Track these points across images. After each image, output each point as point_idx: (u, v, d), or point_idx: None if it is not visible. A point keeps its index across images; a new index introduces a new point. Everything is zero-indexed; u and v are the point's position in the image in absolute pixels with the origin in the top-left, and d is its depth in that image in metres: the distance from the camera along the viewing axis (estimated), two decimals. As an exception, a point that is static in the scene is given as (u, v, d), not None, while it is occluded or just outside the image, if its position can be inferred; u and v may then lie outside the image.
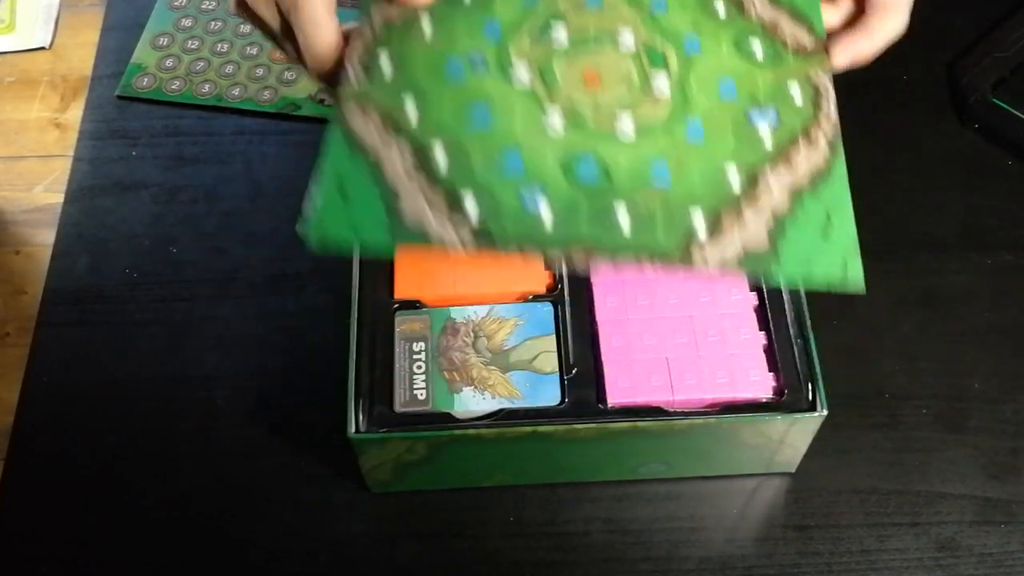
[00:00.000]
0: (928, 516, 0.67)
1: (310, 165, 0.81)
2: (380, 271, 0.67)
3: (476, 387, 0.63)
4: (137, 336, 0.75)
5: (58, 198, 0.84)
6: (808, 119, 0.55)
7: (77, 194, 0.82)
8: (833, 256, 0.51)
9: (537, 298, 0.66)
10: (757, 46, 0.57)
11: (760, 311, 0.65)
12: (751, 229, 0.51)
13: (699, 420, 0.61)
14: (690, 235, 0.50)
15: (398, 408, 0.62)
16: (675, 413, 0.62)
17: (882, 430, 0.70)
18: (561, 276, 0.67)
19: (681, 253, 0.50)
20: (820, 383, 0.62)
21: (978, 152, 0.81)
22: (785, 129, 0.55)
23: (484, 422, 0.61)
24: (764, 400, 0.62)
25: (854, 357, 0.72)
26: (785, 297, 0.65)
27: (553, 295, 0.66)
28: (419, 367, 0.64)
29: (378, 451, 0.63)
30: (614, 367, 0.63)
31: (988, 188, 0.80)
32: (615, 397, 0.62)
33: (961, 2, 0.88)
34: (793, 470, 0.68)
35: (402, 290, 0.67)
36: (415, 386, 0.63)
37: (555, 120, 0.53)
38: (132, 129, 0.83)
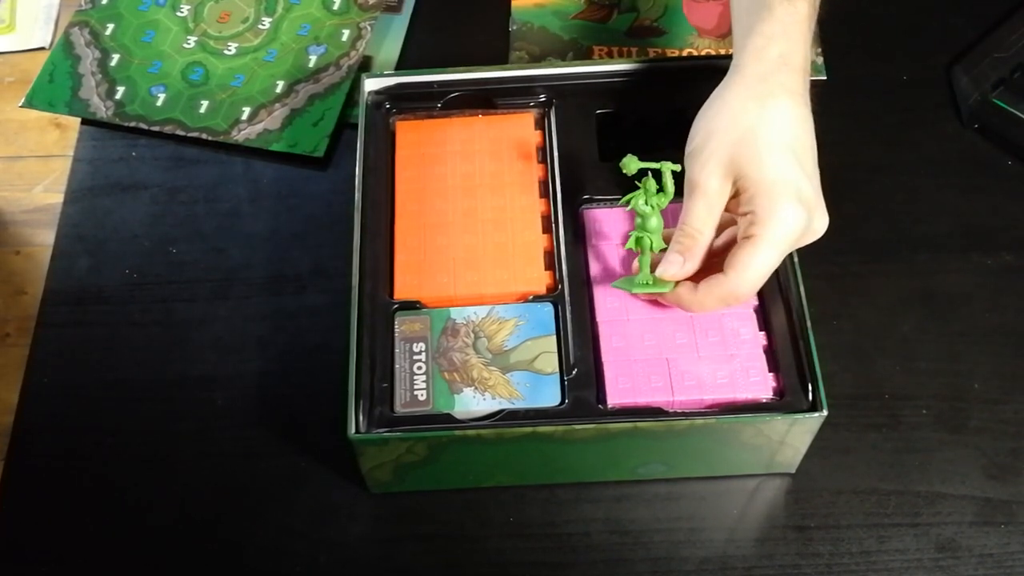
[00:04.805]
0: (928, 516, 0.67)
1: (310, 166, 0.81)
2: (380, 271, 0.67)
3: (476, 388, 0.63)
4: (137, 336, 0.75)
5: (58, 198, 0.84)
6: (344, 52, 0.84)
7: (77, 194, 0.82)
8: (314, 138, 0.81)
9: (537, 298, 0.66)
10: (338, 3, 0.88)
11: (760, 311, 0.65)
12: (274, 116, 0.82)
13: (699, 421, 0.61)
14: (237, 120, 0.82)
15: (398, 409, 0.62)
16: (675, 414, 0.61)
17: (882, 430, 0.70)
18: (562, 276, 0.67)
19: (227, 130, 0.82)
20: (820, 383, 0.62)
21: (978, 152, 0.81)
22: (325, 57, 0.85)
23: (484, 423, 0.61)
24: (764, 401, 0.62)
25: (854, 357, 0.72)
26: (785, 297, 0.65)
27: (553, 295, 0.66)
28: (419, 368, 0.64)
29: (378, 452, 0.63)
30: (614, 367, 0.63)
31: (988, 188, 0.79)
32: (615, 398, 0.62)
33: (961, 2, 0.88)
34: (793, 470, 0.68)
35: (402, 290, 0.67)
36: (415, 387, 0.63)
37: (191, 41, 0.85)
38: (132, 129, 0.83)
